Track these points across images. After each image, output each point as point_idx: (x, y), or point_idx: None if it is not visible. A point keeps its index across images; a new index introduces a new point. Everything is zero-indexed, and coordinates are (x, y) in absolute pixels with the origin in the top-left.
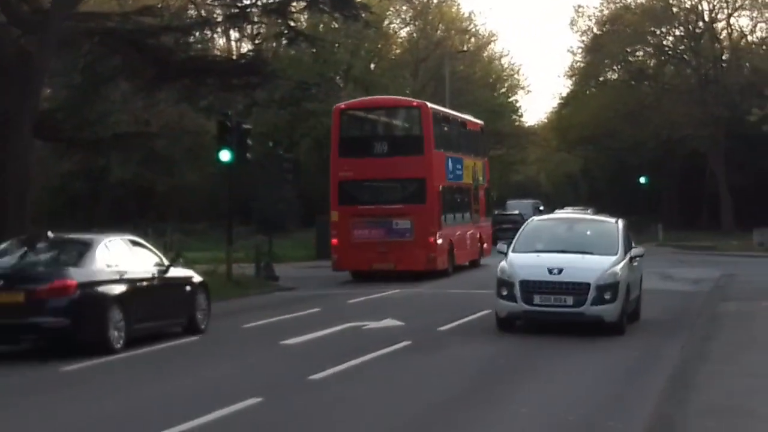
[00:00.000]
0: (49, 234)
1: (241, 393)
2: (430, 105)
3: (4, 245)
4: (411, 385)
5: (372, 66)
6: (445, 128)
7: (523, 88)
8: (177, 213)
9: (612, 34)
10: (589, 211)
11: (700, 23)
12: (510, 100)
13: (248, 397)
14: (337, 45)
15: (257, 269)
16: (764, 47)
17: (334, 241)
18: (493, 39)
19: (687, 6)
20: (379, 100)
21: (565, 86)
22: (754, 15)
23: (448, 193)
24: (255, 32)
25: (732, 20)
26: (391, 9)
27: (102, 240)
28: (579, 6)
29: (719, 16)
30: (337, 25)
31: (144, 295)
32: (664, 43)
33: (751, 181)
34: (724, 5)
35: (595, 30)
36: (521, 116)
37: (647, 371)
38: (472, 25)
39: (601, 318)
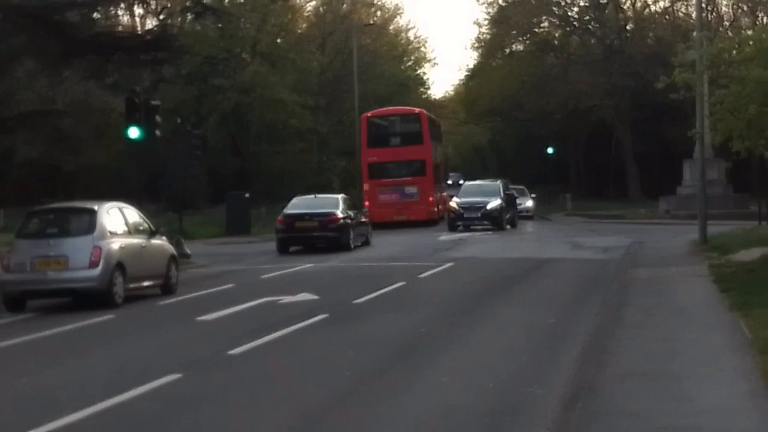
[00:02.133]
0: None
1: (160, 370)
2: (426, 112)
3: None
4: (329, 358)
5: (279, 40)
6: (431, 126)
7: (429, 61)
8: (85, 192)
9: (517, 6)
10: (498, 182)
11: None
12: (417, 73)
13: (167, 373)
14: (243, 19)
15: None
16: (667, 17)
17: (366, 203)
18: (399, 12)
19: None
20: (392, 110)
21: (471, 58)
22: None
23: (436, 169)
24: (160, 7)
25: None
26: None
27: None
28: None
29: None
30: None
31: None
32: (569, 13)
33: (656, 149)
34: None
35: (500, 1)
36: (428, 89)
37: (564, 337)
38: None
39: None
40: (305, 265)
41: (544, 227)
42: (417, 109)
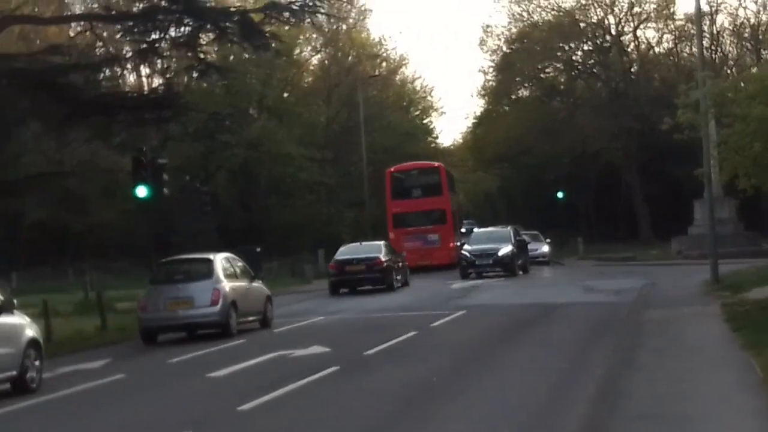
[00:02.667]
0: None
1: (170, 428)
2: (444, 166)
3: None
4: (340, 411)
5: (285, 95)
6: (449, 178)
7: (436, 109)
8: (94, 251)
9: (521, 52)
10: (509, 228)
11: (608, 37)
12: (424, 122)
13: (180, 430)
14: (248, 75)
15: None
16: (671, 58)
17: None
18: (404, 63)
19: (594, 21)
20: (413, 164)
21: (478, 106)
22: (660, 26)
23: (454, 217)
24: (165, 66)
25: (638, 33)
26: (302, 37)
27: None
28: (487, 26)
29: (626, 29)
30: (247, 56)
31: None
32: (574, 58)
33: (665, 190)
34: (630, 18)
35: (504, 49)
36: (436, 138)
37: (576, 382)
38: (382, 50)
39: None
40: (317, 317)
41: (557, 272)
42: (436, 163)
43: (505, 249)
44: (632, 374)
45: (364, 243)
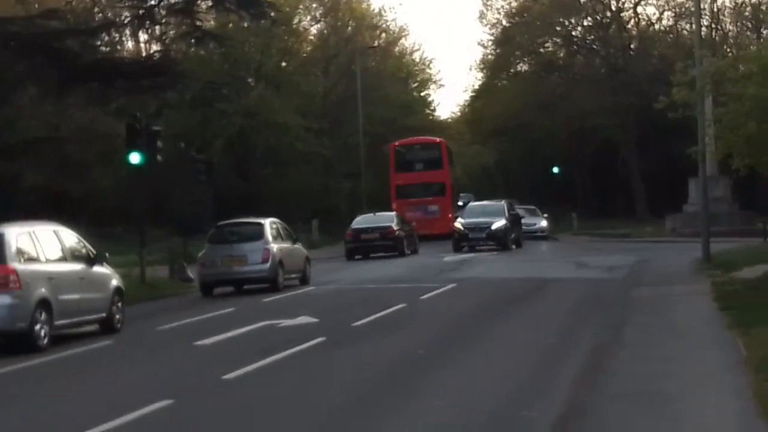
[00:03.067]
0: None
1: (153, 395)
2: (445, 141)
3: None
4: (326, 382)
5: (283, 64)
6: (449, 153)
7: (435, 82)
8: (92, 217)
9: (521, 26)
10: (503, 202)
11: (608, 13)
12: (422, 94)
13: (159, 399)
14: (246, 44)
15: (171, 271)
16: (671, 35)
17: None
18: (404, 34)
19: None
20: (416, 139)
21: (477, 79)
22: (660, 3)
23: (453, 189)
24: (163, 33)
25: (639, 9)
26: (301, 6)
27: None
28: None
29: (626, 5)
30: (246, 24)
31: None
32: (573, 33)
33: (662, 167)
34: None
35: (504, 22)
36: (434, 110)
37: (562, 358)
38: (382, 21)
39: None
40: (308, 288)
41: (550, 247)
42: (438, 139)
43: (499, 223)
44: (618, 351)
45: (377, 213)
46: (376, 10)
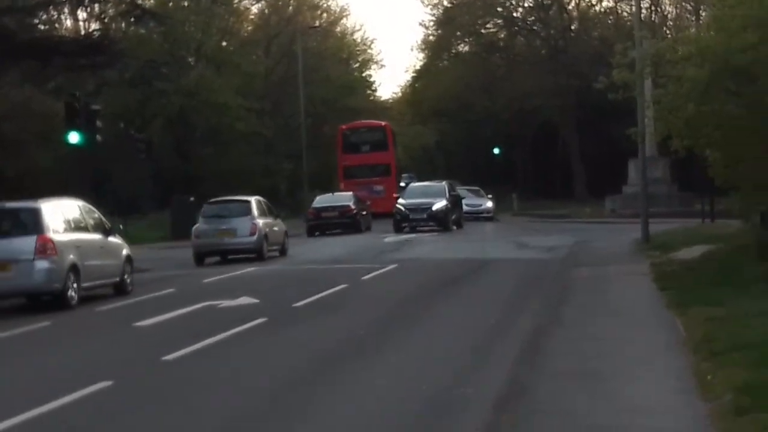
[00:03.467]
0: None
1: (90, 377)
2: (390, 125)
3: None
4: (264, 362)
5: (224, 43)
6: (393, 136)
7: (376, 62)
8: (28, 197)
9: (462, 7)
10: (444, 183)
11: None
12: (364, 75)
13: (98, 381)
14: (186, 23)
15: None
16: (611, 17)
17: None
18: (345, 14)
19: None
20: (362, 123)
21: (418, 60)
22: None
23: (397, 170)
24: (101, 11)
25: None
26: None
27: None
28: None
29: None
30: (186, 3)
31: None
32: (514, 14)
33: (602, 149)
34: None
35: (445, 3)
36: (375, 91)
37: (501, 338)
38: (323, 1)
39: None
40: (248, 268)
41: (491, 227)
42: (383, 123)
43: (440, 204)
44: (557, 331)
45: (336, 194)
46: None
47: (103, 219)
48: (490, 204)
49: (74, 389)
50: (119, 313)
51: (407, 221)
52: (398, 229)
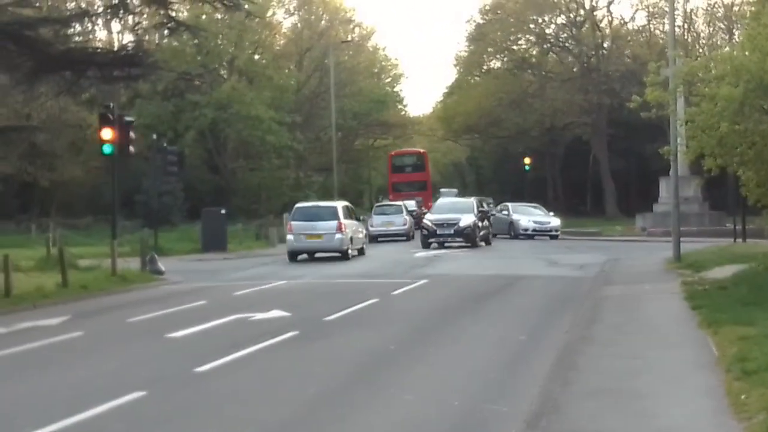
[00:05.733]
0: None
1: (124, 387)
2: (426, 152)
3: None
4: (298, 376)
5: (256, 57)
6: (428, 159)
7: (408, 78)
8: (60, 208)
9: (494, 24)
10: (472, 199)
11: (581, 11)
12: (395, 89)
13: (131, 391)
14: (220, 35)
15: (142, 263)
16: (644, 35)
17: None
18: (377, 30)
19: None
20: (406, 150)
21: (450, 75)
22: (634, 2)
23: (432, 186)
24: (136, 23)
25: (612, 8)
26: None
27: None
28: None
29: (600, 3)
30: (219, 16)
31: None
32: (547, 31)
33: (633, 167)
34: None
35: (478, 20)
36: (406, 106)
37: (533, 354)
38: (355, 16)
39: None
40: (279, 281)
41: (521, 245)
42: (421, 150)
43: (467, 220)
44: (588, 348)
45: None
46: (350, 5)
47: (355, 211)
48: (557, 221)
49: (108, 399)
50: (151, 325)
51: (434, 237)
52: (425, 245)
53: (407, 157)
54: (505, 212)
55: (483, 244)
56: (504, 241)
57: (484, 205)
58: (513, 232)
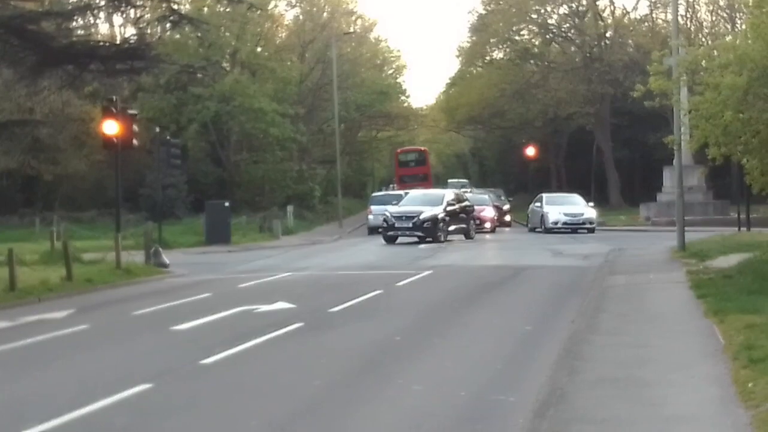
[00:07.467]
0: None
1: (130, 380)
2: (426, 149)
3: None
4: (302, 367)
5: (258, 49)
6: (428, 155)
7: (410, 69)
8: (64, 202)
9: (497, 14)
10: (446, 190)
11: (584, 1)
12: (397, 81)
13: (138, 383)
14: (222, 28)
15: (146, 256)
16: (646, 24)
17: None
18: (378, 22)
19: None
20: (409, 148)
21: (452, 66)
22: None
23: (432, 177)
24: (138, 16)
25: None
26: None
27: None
28: None
29: None
30: (221, 8)
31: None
32: (549, 21)
33: (637, 156)
34: None
35: (480, 10)
36: (408, 97)
37: (539, 344)
38: (357, 7)
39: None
40: (283, 273)
41: (526, 235)
42: (422, 148)
43: (429, 213)
44: (594, 338)
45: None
46: None
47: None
48: (593, 213)
49: (115, 392)
50: (156, 317)
51: (392, 230)
52: (387, 239)
53: (411, 154)
54: (538, 204)
55: (446, 239)
56: (507, 233)
57: (496, 196)
58: (544, 225)
